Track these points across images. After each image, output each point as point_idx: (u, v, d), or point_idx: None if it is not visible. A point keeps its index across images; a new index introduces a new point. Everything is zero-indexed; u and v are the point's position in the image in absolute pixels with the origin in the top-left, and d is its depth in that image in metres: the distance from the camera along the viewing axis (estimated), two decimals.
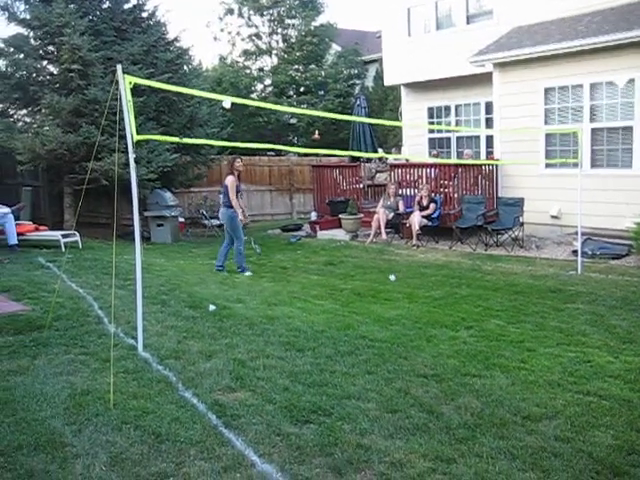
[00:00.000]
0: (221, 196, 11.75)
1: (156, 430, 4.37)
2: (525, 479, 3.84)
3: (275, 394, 5.11)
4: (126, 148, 11.92)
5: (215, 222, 17.97)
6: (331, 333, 6.94)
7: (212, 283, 10.00)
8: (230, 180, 11.06)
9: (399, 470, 3.93)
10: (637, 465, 4.00)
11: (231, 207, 11.06)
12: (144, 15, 17.04)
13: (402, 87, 19.52)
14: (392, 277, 10.33)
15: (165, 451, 4.12)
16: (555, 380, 5.53)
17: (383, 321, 7.56)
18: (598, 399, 5.09)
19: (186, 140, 8.12)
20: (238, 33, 28.43)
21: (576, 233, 11.17)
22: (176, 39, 17.40)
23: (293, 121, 27.24)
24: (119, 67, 5.60)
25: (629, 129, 12.47)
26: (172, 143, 14.86)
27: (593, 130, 13.02)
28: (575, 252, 11.24)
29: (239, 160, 11.36)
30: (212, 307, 7.87)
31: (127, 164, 13.29)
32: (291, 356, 6.13)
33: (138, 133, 5.71)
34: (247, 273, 11.02)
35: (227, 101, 6.60)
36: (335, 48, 29.38)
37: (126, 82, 5.54)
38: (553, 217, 13.58)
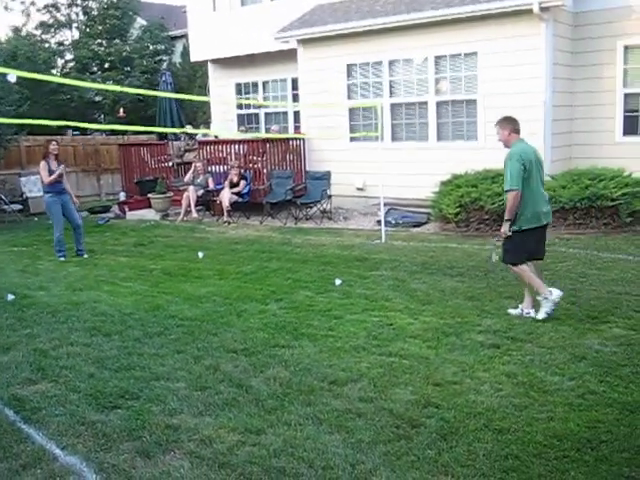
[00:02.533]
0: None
1: None
2: (331, 441, 3.98)
3: (80, 382, 4.94)
4: None
5: (16, 207, 16.90)
6: (139, 315, 6.80)
7: (12, 271, 9.42)
8: (41, 165, 10.60)
9: (209, 446, 3.94)
10: (431, 416, 4.29)
11: (48, 192, 10.60)
12: None
13: (209, 63, 19.28)
14: (200, 254, 10.28)
15: None
16: (360, 345, 5.78)
17: (193, 299, 7.51)
18: (399, 359, 5.39)
19: None
20: (33, 3, 26.69)
21: (380, 204, 11.68)
22: None
23: (98, 98, 26.11)
24: None
25: (424, 104, 13.19)
26: None
27: (392, 105, 13.63)
28: (380, 222, 11.76)
29: (54, 143, 10.89)
30: (10, 297, 7.42)
31: None
32: (97, 342, 5.94)
33: None
34: (61, 258, 10.54)
35: (12, 75, 6.18)
36: (140, 22, 28.40)
37: None
38: (359, 189, 14.09)
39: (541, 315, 6.40)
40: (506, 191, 6.39)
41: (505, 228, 6.42)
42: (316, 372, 5.10)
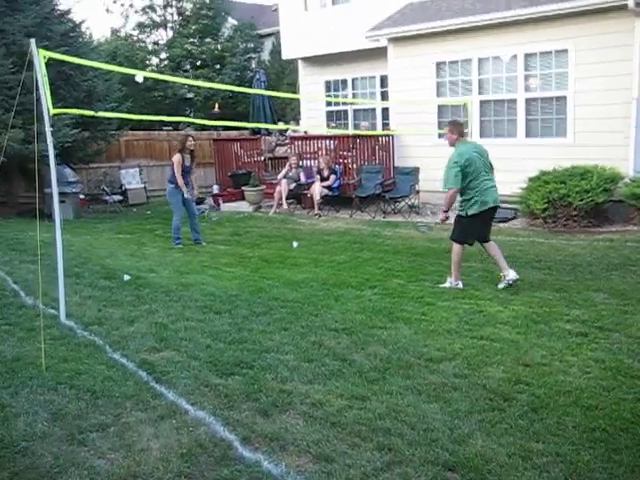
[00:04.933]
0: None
1: (91, 388, 4.65)
2: (430, 409, 4.38)
3: (199, 352, 5.47)
4: (23, 123, 11.75)
5: (117, 198, 17.88)
6: (245, 296, 7.33)
7: (123, 255, 10.15)
8: (176, 158, 11.13)
9: (320, 408, 4.40)
10: (522, 392, 4.63)
11: (172, 183, 11.21)
12: None
13: (299, 61, 19.86)
14: (295, 244, 10.80)
15: (102, 405, 4.42)
16: (453, 328, 6.14)
17: (292, 284, 8.01)
18: (490, 342, 5.73)
19: (101, 114, 8.21)
20: (131, 5, 27.91)
21: None
22: (69, 11, 17.04)
23: (190, 95, 27.05)
24: (32, 42, 5.70)
25: (513, 101, 13.35)
26: (72, 117, 14.66)
27: (481, 102, 13.84)
28: None
29: (191, 138, 11.39)
30: (127, 277, 8.08)
31: (25, 140, 13.17)
32: (209, 318, 6.49)
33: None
34: (179, 246, 11.15)
35: (139, 76, 6.80)
36: (231, 22, 29.26)
37: (40, 57, 5.66)
38: None
39: (501, 286, 7.68)
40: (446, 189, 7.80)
41: (442, 216, 8.14)
42: (413, 350, 5.50)
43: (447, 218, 8.05)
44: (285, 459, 3.75)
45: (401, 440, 3.94)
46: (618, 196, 11.30)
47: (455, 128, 7.95)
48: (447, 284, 7.85)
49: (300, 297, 7.30)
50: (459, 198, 7.88)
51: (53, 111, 5.76)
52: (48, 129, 5.85)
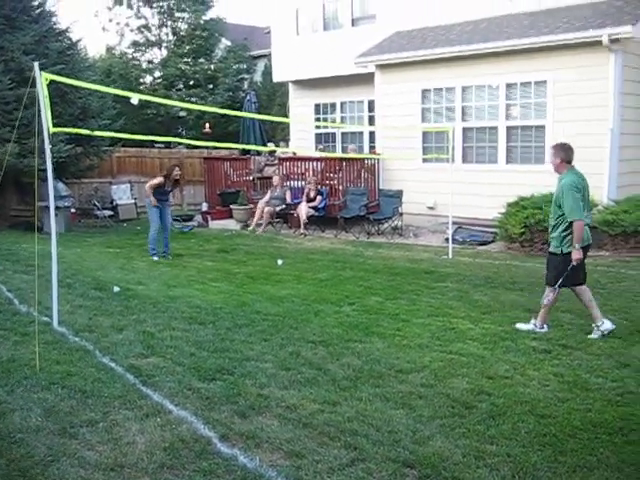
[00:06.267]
0: None
1: (81, 388, 5.00)
2: (395, 415, 4.74)
3: (183, 359, 5.83)
4: (19, 138, 12.15)
5: (107, 213, 18.21)
6: (229, 309, 7.70)
7: (112, 268, 10.50)
8: (157, 180, 12.24)
9: (293, 411, 4.76)
10: (483, 401, 5.00)
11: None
12: (34, 3, 16.98)
13: (290, 84, 20.36)
14: (279, 262, 11.17)
15: (92, 404, 4.76)
16: (424, 343, 6.52)
17: (275, 299, 8.37)
18: (458, 356, 6.10)
19: (98, 133, 8.58)
20: (127, 24, 28.35)
21: (449, 222, 12.37)
22: (67, 29, 17.46)
23: (183, 114, 27.49)
24: (36, 65, 6.09)
25: (495, 129, 13.84)
26: (66, 134, 15.01)
27: (464, 129, 14.33)
28: (448, 239, 12.45)
29: (177, 169, 12.51)
30: (116, 289, 8.42)
31: (20, 154, 13.53)
32: (194, 329, 6.84)
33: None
34: (154, 257, 11.80)
35: (135, 98, 7.19)
36: (224, 42, 29.77)
37: (42, 79, 6.04)
38: (429, 208, 14.78)
39: (595, 336, 6.78)
40: (571, 221, 6.62)
41: (576, 256, 6.65)
42: (384, 362, 5.87)
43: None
44: (259, 455, 4.09)
45: (366, 440, 4.29)
46: (592, 223, 11.73)
47: (559, 152, 6.92)
48: (530, 326, 7.04)
49: (281, 311, 7.67)
50: (553, 233, 6.95)
51: (52, 129, 6.12)
52: (47, 146, 6.22)
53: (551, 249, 6.98)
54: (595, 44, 11.95)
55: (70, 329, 6.54)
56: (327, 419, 4.62)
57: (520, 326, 7.09)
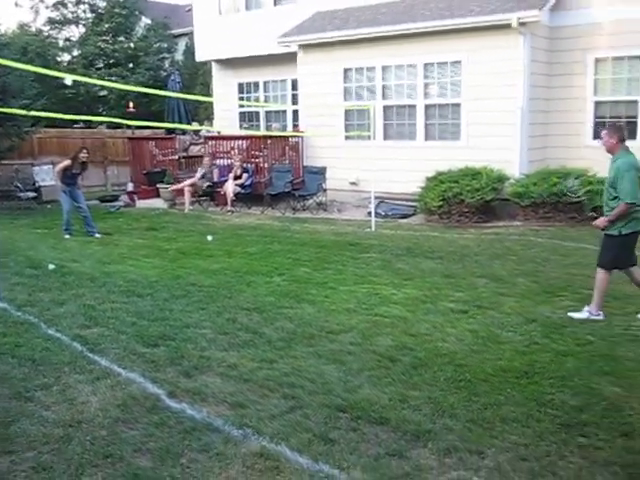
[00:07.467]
0: None
1: (31, 357, 5.29)
2: (328, 369, 5.22)
3: (126, 328, 6.16)
4: None
5: (30, 195, 17.99)
6: (164, 282, 8.02)
7: (44, 248, 10.60)
8: (63, 163, 12.29)
9: (234, 369, 5.18)
10: (406, 355, 5.53)
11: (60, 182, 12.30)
12: None
13: (213, 63, 20.43)
14: (209, 237, 11.48)
15: (43, 371, 5.07)
16: (351, 307, 7.02)
17: (208, 272, 8.72)
18: (383, 318, 6.63)
19: (23, 112, 8.62)
20: (42, 0, 27.71)
21: (371, 197, 12.91)
22: None
23: (103, 93, 27.14)
24: None
25: (413, 107, 14.43)
26: None
27: (385, 107, 14.86)
28: (370, 213, 13.00)
29: (85, 151, 12.52)
30: (52, 266, 8.60)
31: None
32: (133, 301, 7.16)
33: None
34: (67, 235, 12.04)
35: (68, 79, 7.34)
36: (145, 21, 29.45)
37: None
38: (352, 183, 15.29)
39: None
40: (628, 203, 6.32)
41: (604, 222, 6.55)
42: (315, 325, 6.34)
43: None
44: (206, 408, 4.50)
45: (302, 391, 4.76)
46: (505, 195, 12.52)
47: (615, 132, 6.63)
48: (584, 314, 6.67)
49: (215, 283, 8.03)
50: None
51: None
52: None
53: (608, 231, 6.61)
54: (505, 27, 12.61)
55: (12, 304, 6.76)
56: (266, 375, 5.05)
57: (574, 315, 6.72)
